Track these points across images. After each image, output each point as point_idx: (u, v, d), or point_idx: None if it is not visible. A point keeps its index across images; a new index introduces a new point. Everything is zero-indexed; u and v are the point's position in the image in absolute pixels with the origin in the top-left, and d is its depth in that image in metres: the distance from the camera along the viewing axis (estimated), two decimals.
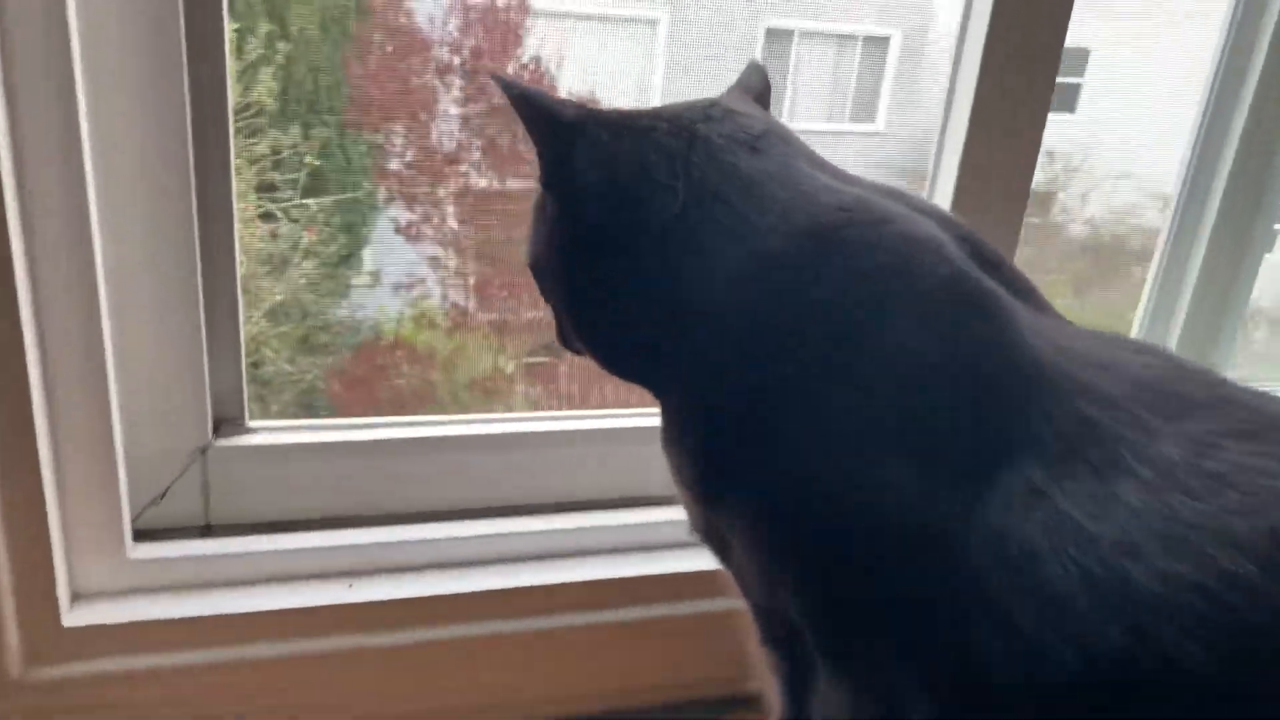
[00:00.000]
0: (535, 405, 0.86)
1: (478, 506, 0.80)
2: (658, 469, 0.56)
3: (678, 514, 0.57)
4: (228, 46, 0.64)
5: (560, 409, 0.85)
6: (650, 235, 0.53)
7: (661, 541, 0.82)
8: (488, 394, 0.83)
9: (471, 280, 0.79)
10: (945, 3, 0.85)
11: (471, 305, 0.79)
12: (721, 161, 0.54)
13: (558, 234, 0.57)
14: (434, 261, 0.77)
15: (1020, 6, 0.78)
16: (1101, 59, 0.95)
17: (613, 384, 0.79)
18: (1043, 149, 0.84)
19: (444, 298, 0.79)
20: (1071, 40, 0.81)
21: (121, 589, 0.72)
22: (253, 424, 0.77)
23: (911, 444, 0.46)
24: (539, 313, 0.81)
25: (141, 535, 0.73)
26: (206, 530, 0.77)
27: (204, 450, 0.73)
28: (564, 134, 0.56)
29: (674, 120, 0.56)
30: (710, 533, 0.54)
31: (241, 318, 0.73)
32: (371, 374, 0.79)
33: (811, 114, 0.86)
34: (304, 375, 0.79)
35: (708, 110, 0.57)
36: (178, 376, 0.71)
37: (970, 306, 0.48)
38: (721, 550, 0.55)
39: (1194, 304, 1.01)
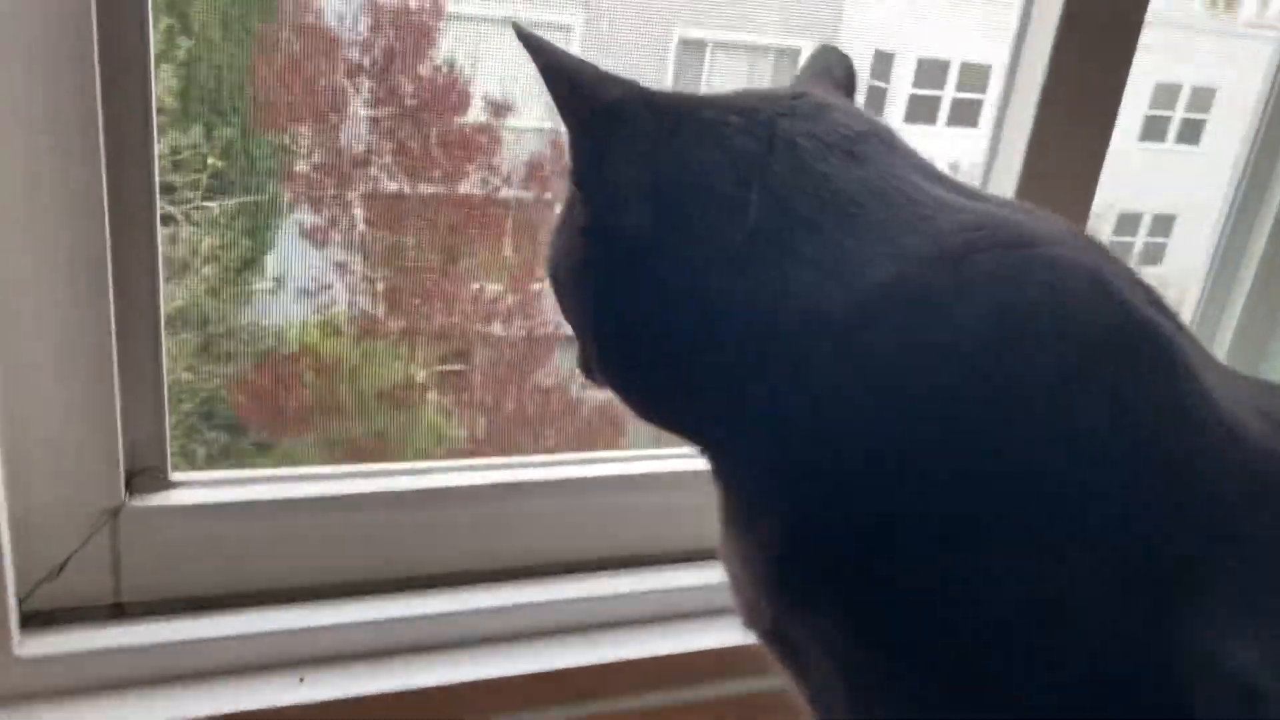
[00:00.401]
0: (447, 414, 0.85)
1: (459, 572, 0.69)
2: (687, 521, 0.48)
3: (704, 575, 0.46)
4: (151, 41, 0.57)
5: (479, 421, 0.84)
6: (710, 260, 0.43)
7: (694, 608, 0.71)
8: (397, 404, 0.82)
9: (380, 286, 0.77)
10: (853, 15, 0.86)
11: (380, 312, 0.78)
12: (810, 170, 0.44)
13: (587, 243, 0.47)
14: (341, 267, 0.76)
15: (1082, 39, 0.77)
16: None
17: (537, 396, 0.78)
18: (947, 163, 0.85)
19: (352, 304, 0.77)
20: (973, 57, 0.83)
21: (6, 694, 0.58)
22: (177, 476, 0.65)
23: (1098, 550, 0.36)
24: (453, 319, 0.80)
25: (34, 620, 0.60)
26: (117, 611, 0.64)
27: (115, 511, 0.61)
28: (603, 119, 0.46)
29: (749, 113, 0.46)
30: (777, 635, 0.44)
31: (164, 343, 0.62)
32: (276, 383, 0.77)
33: None
34: (204, 384, 0.76)
35: (793, 102, 0.47)
36: (82, 418, 0.58)
37: (1154, 363, 0.38)
38: (791, 657, 0.44)
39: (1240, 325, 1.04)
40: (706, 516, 0.48)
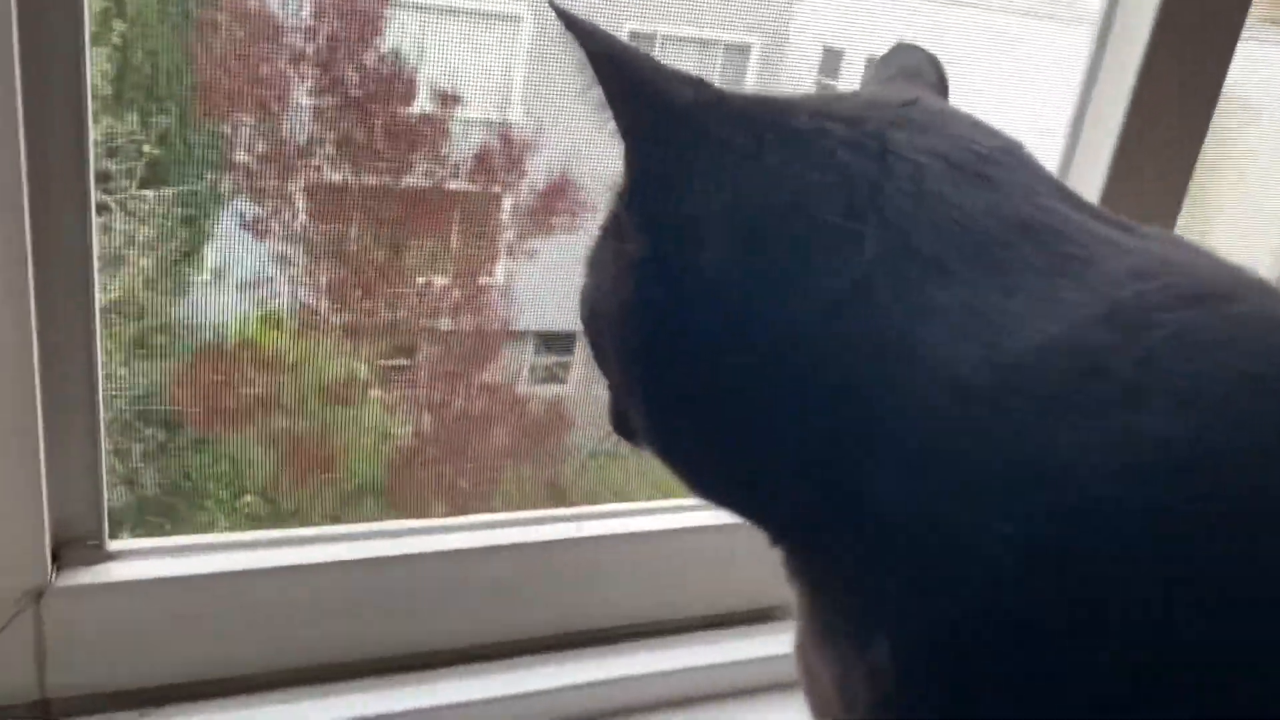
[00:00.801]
0: (390, 411, 0.83)
1: (469, 647, 0.60)
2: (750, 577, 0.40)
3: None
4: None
5: (424, 418, 0.83)
6: (809, 308, 0.35)
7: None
8: (340, 400, 0.80)
9: (323, 280, 0.76)
10: (804, 14, 0.87)
11: (323, 306, 0.76)
12: (937, 198, 0.36)
13: (641, 281, 0.39)
14: (283, 259, 0.74)
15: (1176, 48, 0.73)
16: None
17: (484, 393, 0.77)
18: None
19: (293, 298, 0.76)
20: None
21: None
22: (114, 546, 0.55)
23: None
24: (398, 314, 0.79)
25: None
26: (42, 710, 0.54)
27: (38, 592, 0.51)
28: (671, 127, 0.39)
29: (853, 121, 0.39)
30: None
31: (100, 378, 0.53)
32: (214, 378, 0.75)
33: None
34: (138, 380, 0.74)
35: (903, 111, 0.40)
36: None
37: None
38: None
39: None
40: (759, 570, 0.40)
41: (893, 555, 0.33)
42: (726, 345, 0.37)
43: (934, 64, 0.49)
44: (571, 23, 0.39)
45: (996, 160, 0.38)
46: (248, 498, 0.77)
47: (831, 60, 0.94)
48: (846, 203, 0.36)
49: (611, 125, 0.41)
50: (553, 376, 0.89)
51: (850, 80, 0.95)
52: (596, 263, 0.43)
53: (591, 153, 0.76)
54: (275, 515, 0.78)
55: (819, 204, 0.37)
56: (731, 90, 0.41)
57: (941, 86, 0.48)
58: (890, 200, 0.36)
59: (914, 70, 0.48)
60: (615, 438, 0.46)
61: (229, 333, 0.74)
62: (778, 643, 0.39)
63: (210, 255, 0.73)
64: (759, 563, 0.40)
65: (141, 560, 0.55)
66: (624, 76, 0.39)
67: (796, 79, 0.87)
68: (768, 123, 0.39)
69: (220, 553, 0.59)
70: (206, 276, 0.73)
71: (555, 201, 0.80)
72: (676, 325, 0.39)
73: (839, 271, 0.35)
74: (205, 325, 0.73)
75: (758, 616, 0.70)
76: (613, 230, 0.42)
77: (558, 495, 0.86)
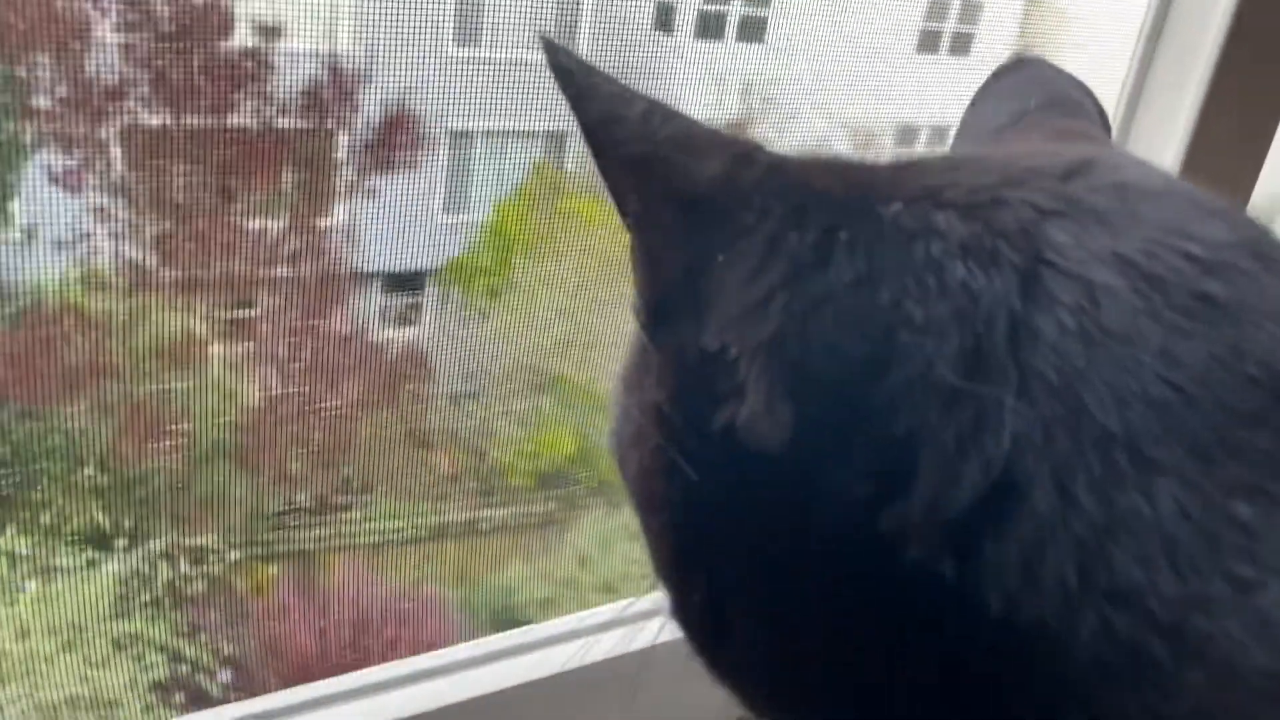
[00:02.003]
0: (234, 368, 0.80)
1: None
2: None
3: None
4: None
5: (271, 373, 0.80)
6: (900, 529, 0.24)
7: None
8: (178, 360, 0.77)
9: (149, 232, 0.72)
10: None
11: (151, 261, 0.73)
12: (1125, 341, 0.24)
13: (667, 430, 0.29)
14: (101, 213, 0.70)
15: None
16: None
17: (334, 343, 0.74)
18: (738, 80, 0.87)
19: (117, 254, 0.71)
20: None
21: None
22: None
23: None
24: (234, 264, 0.75)
25: None
26: None
27: None
28: (691, 217, 0.29)
29: (981, 209, 0.26)
30: None
31: None
32: (35, 347, 0.70)
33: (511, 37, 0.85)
34: None
35: (1071, 184, 0.27)
36: None
37: None
38: None
39: None
40: None
41: None
42: (783, 539, 0.27)
43: (1086, 92, 0.36)
44: (551, 53, 0.30)
45: (1231, 267, 0.25)
46: (87, 470, 0.73)
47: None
48: (969, 352, 0.24)
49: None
50: (405, 319, 0.87)
51: None
52: (622, 392, 0.32)
53: (430, 81, 0.74)
54: (119, 485, 0.75)
55: (922, 353, 0.25)
56: (798, 156, 0.30)
57: (1102, 119, 0.36)
58: (1045, 347, 0.24)
59: (1063, 100, 0.35)
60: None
61: (48, 296, 0.70)
62: None
63: (18, 212, 0.68)
64: None
65: None
66: (617, 140, 0.29)
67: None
68: (841, 210, 0.27)
69: None
70: (16, 235, 0.68)
71: (394, 135, 0.78)
72: (715, 499, 0.28)
73: (960, 469, 0.24)
74: (20, 289, 0.69)
75: None
76: (636, 354, 0.31)
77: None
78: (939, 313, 0.25)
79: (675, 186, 0.29)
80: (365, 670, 0.73)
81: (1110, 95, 0.84)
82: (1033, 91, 0.36)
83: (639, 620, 0.56)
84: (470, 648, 0.75)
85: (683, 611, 0.31)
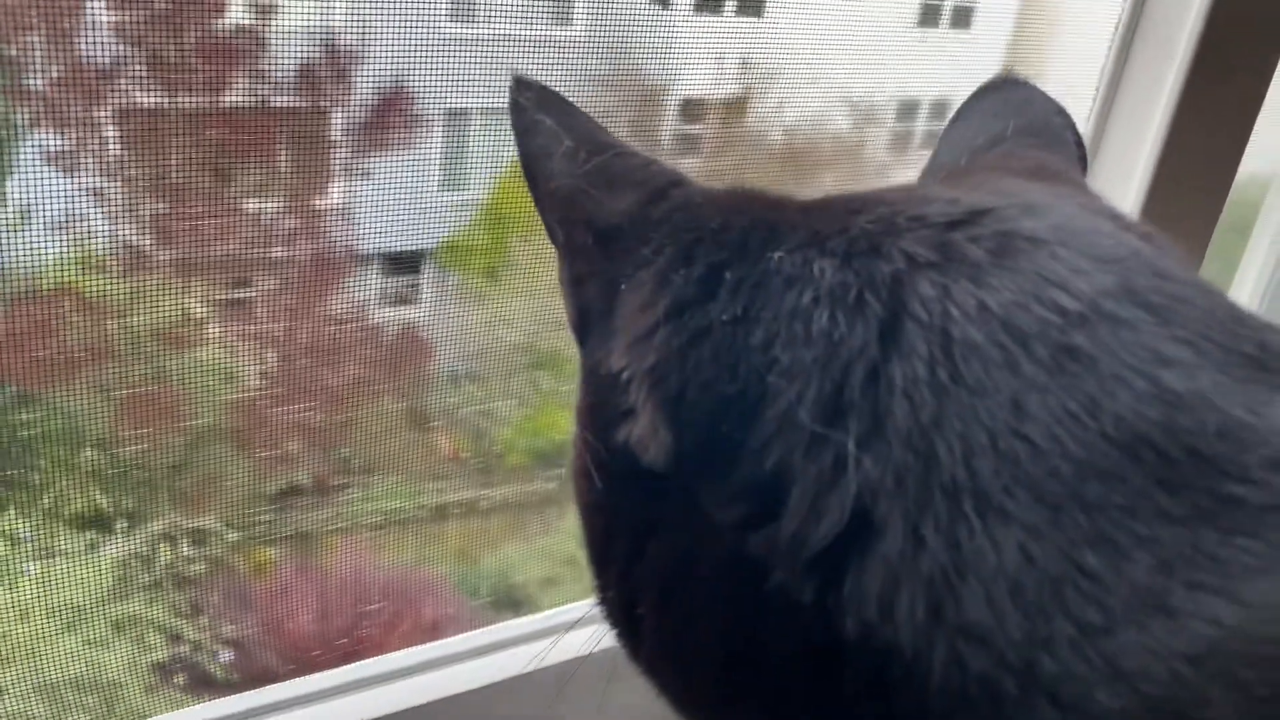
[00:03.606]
0: (231, 349, 0.81)
1: None
2: None
3: None
4: None
5: (266, 353, 0.80)
6: (758, 559, 0.27)
7: None
8: (175, 342, 0.78)
9: (145, 214, 0.72)
10: None
11: (147, 243, 0.73)
12: (978, 393, 0.25)
13: (588, 457, 0.32)
14: (97, 194, 0.70)
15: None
16: None
17: (331, 324, 0.75)
18: (738, 55, 0.87)
19: (113, 235, 0.72)
20: None
21: None
22: None
23: None
24: (230, 245, 0.76)
25: None
26: None
27: None
28: (597, 252, 0.31)
29: (854, 257, 0.28)
30: None
31: None
32: (33, 329, 0.71)
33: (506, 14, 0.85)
34: None
35: (950, 235, 0.28)
36: None
37: None
38: None
39: None
40: None
41: None
42: (672, 561, 0.29)
43: (1066, 120, 0.36)
44: (514, 90, 0.32)
45: (1105, 319, 0.25)
46: (87, 451, 0.74)
47: None
48: (829, 398, 0.26)
49: None
50: (403, 299, 0.87)
51: None
52: (575, 421, 0.34)
53: (424, 60, 0.75)
54: (114, 463, 0.76)
55: (787, 396, 0.26)
56: (717, 191, 0.31)
57: (1078, 148, 0.36)
58: (900, 397, 0.25)
59: (1042, 128, 0.35)
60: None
61: (45, 278, 0.70)
62: None
63: (13, 194, 0.68)
64: None
65: None
66: (546, 174, 0.32)
67: None
68: (734, 250, 0.29)
69: None
70: (11, 218, 0.69)
71: (388, 114, 0.78)
72: (624, 525, 0.31)
73: (821, 506, 0.26)
74: (16, 272, 0.69)
75: None
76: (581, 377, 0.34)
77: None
78: (804, 358, 0.27)
79: (591, 218, 0.31)
80: (356, 664, 0.74)
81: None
82: (1012, 115, 0.37)
83: None
84: (463, 640, 0.75)
85: (603, 605, 0.35)
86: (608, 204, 0.31)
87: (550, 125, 0.33)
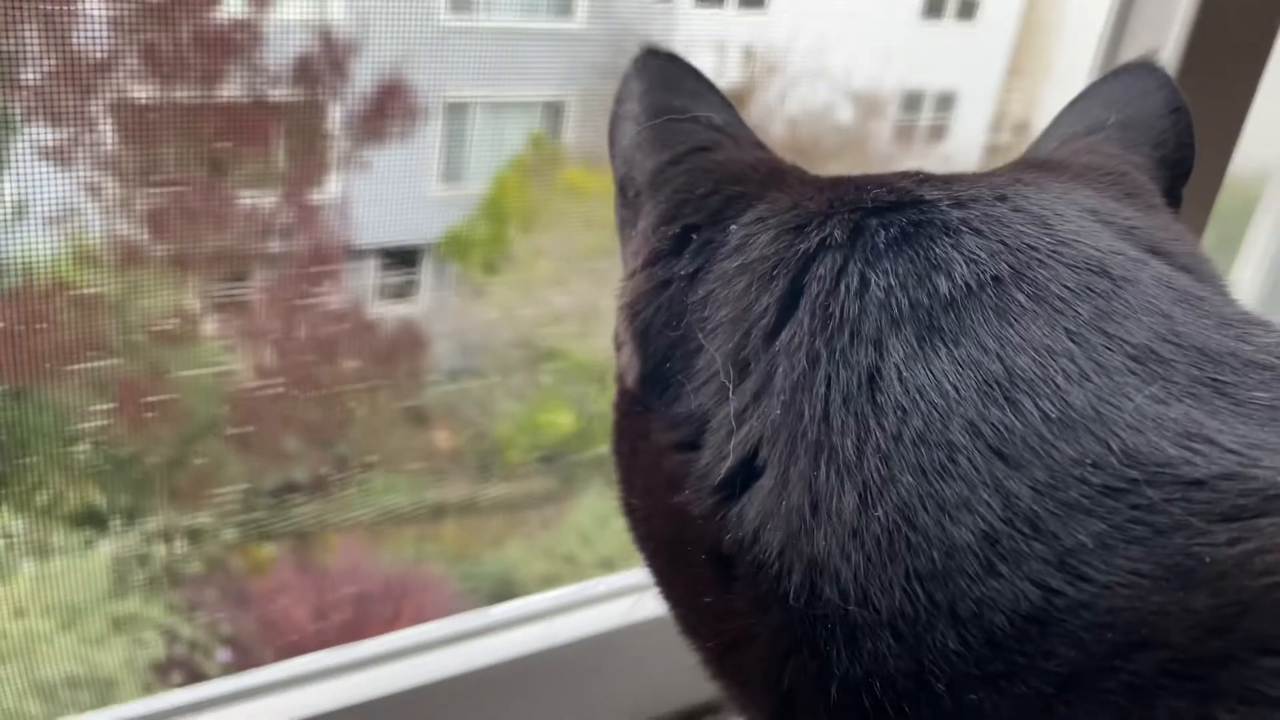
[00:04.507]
0: (227, 344, 0.81)
1: None
2: None
3: None
4: None
5: (265, 349, 0.80)
6: (664, 484, 0.33)
7: None
8: (170, 336, 0.78)
9: (140, 207, 0.72)
10: None
11: (144, 237, 0.73)
12: (845, 375, 0.29)
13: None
14: (92, 188, 0.70)
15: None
16: None
17: (328, 317, 0.75)
18: (740, 47, 0.87)
19: (109, 229, 0.72)
20: None
21: None
22: None
23: None
24: (226, 239, 0.76)
25: None
26: None
27: None
28: (627, 196, 0.38)
29: (787, 228, 0.33)
30: None
31: None
32: (27, 322, 0.71)
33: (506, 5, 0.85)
34: None
35: (890, 210, 0.32)
36: None
37: None
38: None
39: None
40: None
41: None
42: (627, 482, 0.36)
43: (1178, 114, 0.37)
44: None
45: (975, 302, 0.29)
46: (81, 446, 0.74)
47: None
48: (737, 354, 0.31)
49: None
50: (401, 294, 0.87)
51: None
52: None
53: (424, 51, 0.74)
54: (112, 461, 0.76)
55: (710, 349, 0.32)
56: (748, 161, 0.36)
57: (1178, 150, 0.37)
58: (784, 359, 0.30)
59: (1143, 123, 0.37)
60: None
61: (40, 272, 0.70)
62: None
63: (8, 188, 0.68)
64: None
65: None
66: (612, 135, 0.38)
67: None
68: (709, 215, 0.34)
69: None
70: (6, 211, 0.69)
71: (387, 107, 0.78)
72: (625, 442, 0.37)
73: (724, 448, 0.31)
74: (11, 265, 0.69)
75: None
76: None
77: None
78: (724, 318, 0.32)
79: (631, 174, 0.37)
80: (354, 644, 0.74)
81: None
82: (1120, 107, 0.39)
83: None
84: (458, 621, 0.75)
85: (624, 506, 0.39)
86: (643, 163, 0.37)
87: (635, 90, 0.39)
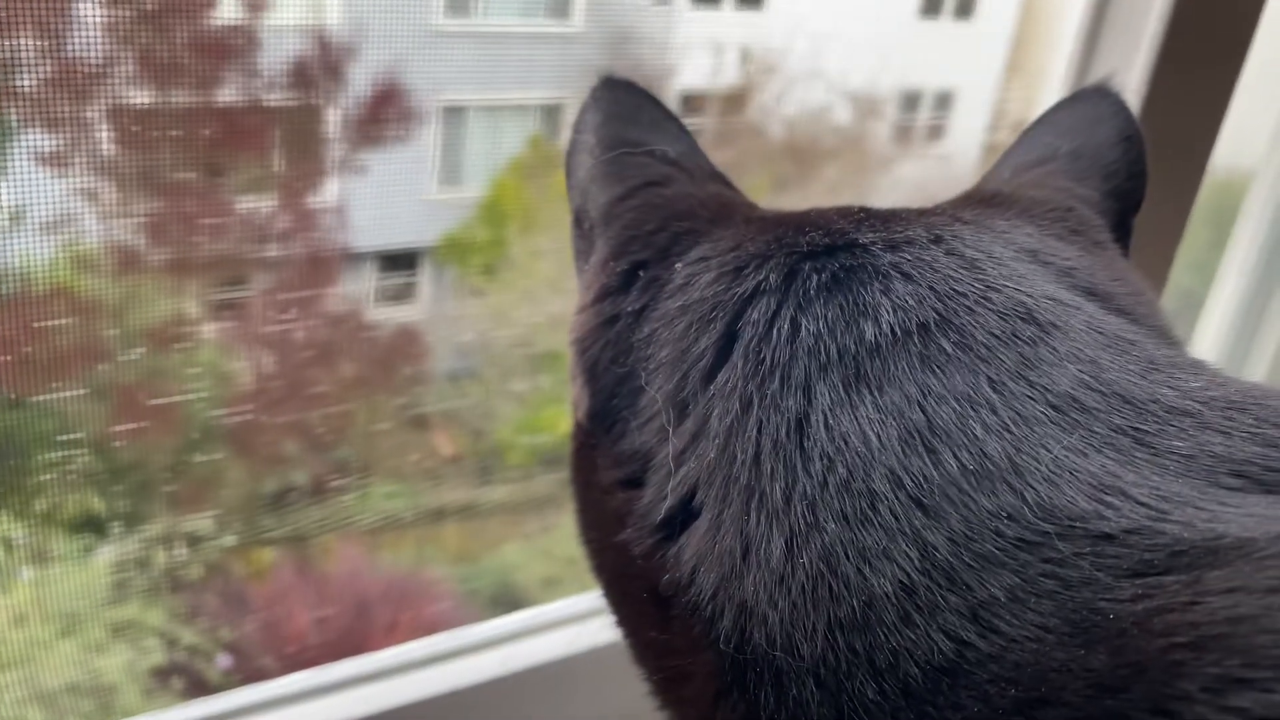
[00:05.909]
0: (226, 350, 0.81)
1: None
2: None
3: None
4: None
5: (263, 355, 0.80)
6: (609, 521, 0.34)
7: None
8: (169, 342, 0.78)
9: (137, 213, 0.72)
10: None
11: (140, 242, 0.73)
12: (772, 419, 0.29)
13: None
14: (89, 194, 0.70)
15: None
16: None
17: (327, 323, 0.75)
18: (738, 48, 0.87)
19: (106, 235, 0.72)
20: None
21: None
22: None
23: None
24: (223, 244, 0.76)
25: None
26: None
27: None
28: (583, 241, 0.39)
29: (726, 271, 0.33)
30: None
31: None
32: (25, 330, 0.71)
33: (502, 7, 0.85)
34: None
35: (821, 255, 0.32)
36: None
37: None
38: None
39: None
40: None
41: None
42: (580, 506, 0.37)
43: (1129, 144, 0.37)
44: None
45: (899, 348, 0.29)
46: (80, 452, 0.74)
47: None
48: (676, 395, 0.31)
49: None
50: (399, 297, 0.87)
51: None
52: None
53: (419, 54, 0.75)
54: (112, 468, 0.76)
55: (651, 389, 0.32)
56: (681, 192, 0.36)
57: (1129, 179, 0.37)
58: (720, 403, 0.30)
59: (1095, 154, 0.36)
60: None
61: (37, 279, 0.70)
62: None
63: (4, 194, 0.68)
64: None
65: None
66: (569, 166, 0.39)
67: None
68: (657, 253, 0.35)
69: None
70: (3, 218, 0.69)
71: (383, 110, 0.78)
72: (581, 473, 0.37)
73: (664, 489, 0.31)
74: (8, 273, 0.69)
75: None
76: None
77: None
78: (666, 359, 0.32)
79: (585, 207, 0.38)
80: (355, 659, 0.74)
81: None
82: (1072, 136, 0.39)
83: None
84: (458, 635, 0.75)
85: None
86: (597, 197, 0.37)
87: (591, 121, 0.39)
